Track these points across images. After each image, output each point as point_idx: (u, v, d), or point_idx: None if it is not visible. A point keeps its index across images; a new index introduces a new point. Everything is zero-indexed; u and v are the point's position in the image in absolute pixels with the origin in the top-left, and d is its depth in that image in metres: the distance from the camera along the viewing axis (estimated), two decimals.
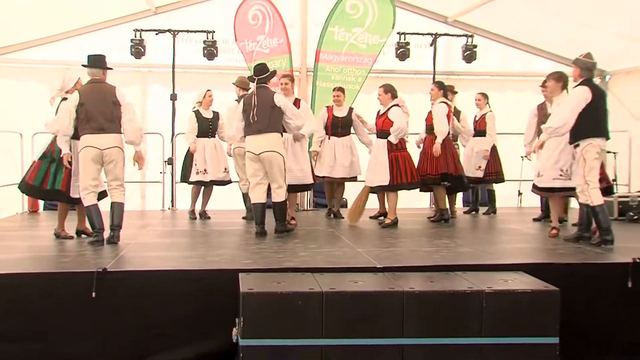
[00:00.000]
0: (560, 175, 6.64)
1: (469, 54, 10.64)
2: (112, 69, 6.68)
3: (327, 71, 10.37)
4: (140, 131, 6.44)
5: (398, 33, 10.48)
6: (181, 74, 10.39)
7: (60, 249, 6.23)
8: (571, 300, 4.81)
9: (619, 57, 10.97)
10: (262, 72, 7.04)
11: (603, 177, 7.05)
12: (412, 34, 10.59)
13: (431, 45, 10.64)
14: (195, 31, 10.31)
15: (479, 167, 8.98)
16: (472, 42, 10.70)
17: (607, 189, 7.23)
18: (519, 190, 10.70)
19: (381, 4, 10.30)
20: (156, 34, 10.25)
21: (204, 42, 10.24)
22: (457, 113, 9.05)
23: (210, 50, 10.24)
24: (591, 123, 6.19)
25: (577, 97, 6.20)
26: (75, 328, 4.81)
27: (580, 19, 9.63)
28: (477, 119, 9.15)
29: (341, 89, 8.72)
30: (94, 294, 4.77)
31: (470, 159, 9.08)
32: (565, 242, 6.51)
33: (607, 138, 6.36)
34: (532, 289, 4.62)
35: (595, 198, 6.20)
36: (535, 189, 7.02)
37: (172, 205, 9.99)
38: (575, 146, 6.31)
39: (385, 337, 4.40)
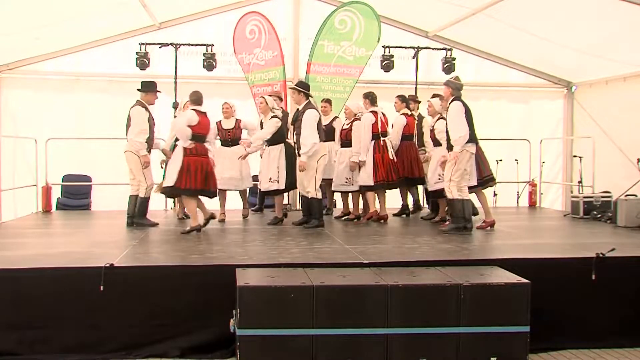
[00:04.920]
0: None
1: (448, 66, 10.65)
2: (149, 91, 7.52)
3: (318, 81, 10.35)
4: (132, 141, 7.34)
5: (383, 46, 10.47)
6: (183, 84, 10.32)
7: (71, 245, 6.19)
8: (541, 292, 4.82)
9: (582, 70, 11.07)
10: (309, 89, 7.67)
11: (485, 169, 7.55)
12: (395, 47, 10.58)
13: (413, 57, 10.64)
14: (195, 44, 10.28)
15: None
16: (451, 55, 10.71)
17: (489, 179, 7.58)
18: (494, 192, 10.75)
19: (367, 20, 10.30)
20: (160, 47, 10.19)
21: (204, 54, 10.20)
22: (420, 119, 8.85)
23: (210, 62, 10.21)
24: None
25: (459, 110, 6.82)
26: (85, 319, 4.80)
27: (546, 36, 9.69)
28: None
29: (328, 101, 8.75)
30: (102, 288, 4.77)
31: None
32: (536, 238, 6.54)
33: (477, 143, 6.98)
34: (505, 282, 4.63)
35: (453, 193, 6.86)
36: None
37: (174, 206, 9.93)
38: (451, 150, 6.85)
39: (370, 327, 4.41)
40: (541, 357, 4.94)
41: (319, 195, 7.56)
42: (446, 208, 7.72)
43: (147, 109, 7.54)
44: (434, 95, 8.04)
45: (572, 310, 5.21)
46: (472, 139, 6.85)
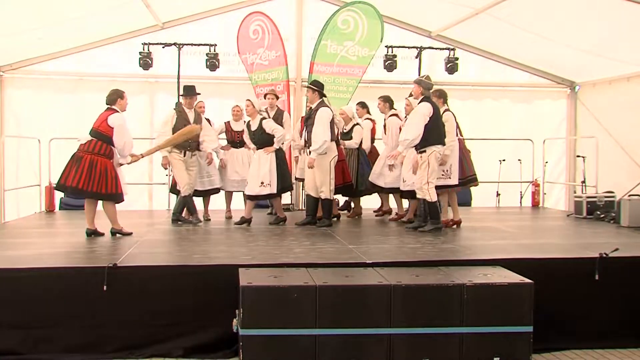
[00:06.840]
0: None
1: (451, 66, 10.64)
2: (184, 95, 7.91)
3: (321, 81, 10.34)
4: None
5: (386, 46, 10.46)
6: (185, 83, 10.35)
7: (74, 245, 6.20)
8: (544, 292, 4.82)
9: (585, 70, 11.04)
10: (323, 88, 7.72)
11: (468, 169, 7.62)
12: (399, 47, 10.57)
13: (416, 57, 10.62)
14: (198, 44, 10.29)
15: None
16: (454, 55, 10.69)
17: (471, 179, 7.66)
18: (497, 192, 10.75)
19: (370, 20, 10.29)
20: (163, 47, 10.22)
21: (207, 54, 10.21)
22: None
23: (213, 62, 10.21)
24: (434, 133, 6.83)
25: (423, 112, 6.80)
26: (88, 318, 4.81)
27: (549, 36, 9.68)
28: None
29: None
30: (105, 287, 4.77)
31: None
32: (539, 238, 6.54)
33: (444, 144, 6.98)
34: (508, 282, 4.62)
35: (432, 195, 6.90)
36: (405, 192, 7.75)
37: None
38: (421, 152, 6.88)
39: (374, 327, 4.41)
40: (544, 357, 4.93)
41: (332, 197, 7.58)
42: (415, 208, 7.80)
43: (182, 111, 7.77)
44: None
45: (575, 310, 5.20)
46: (439, 140, 6.90)
